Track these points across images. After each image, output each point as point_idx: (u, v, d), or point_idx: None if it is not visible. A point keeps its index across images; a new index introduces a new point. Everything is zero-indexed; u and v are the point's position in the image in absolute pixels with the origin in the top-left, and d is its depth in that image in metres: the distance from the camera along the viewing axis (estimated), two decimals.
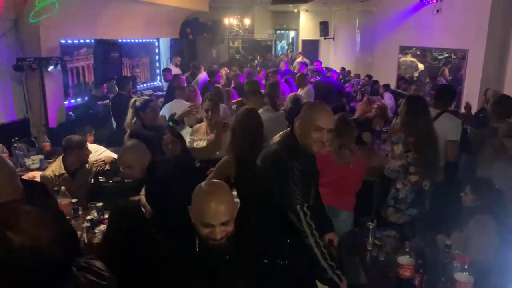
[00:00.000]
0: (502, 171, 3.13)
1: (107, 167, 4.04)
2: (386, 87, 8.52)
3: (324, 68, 11.59)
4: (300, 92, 6.81)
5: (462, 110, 6.30)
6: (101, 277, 1.25)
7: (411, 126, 3.24)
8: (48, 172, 3.58)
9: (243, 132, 2.95)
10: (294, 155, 2.22)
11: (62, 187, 3.24)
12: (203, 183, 1.79)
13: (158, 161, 2.95)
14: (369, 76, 9.91)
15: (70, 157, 3.61)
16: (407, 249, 2.38)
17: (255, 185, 2.39)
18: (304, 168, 2.20)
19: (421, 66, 8.96)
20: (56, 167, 3.60)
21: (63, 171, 3.59)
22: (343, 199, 3.17)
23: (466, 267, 2.26)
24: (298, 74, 8.08)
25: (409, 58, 8.54)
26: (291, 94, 6.27)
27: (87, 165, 3.81)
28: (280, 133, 2.46)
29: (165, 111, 5.38)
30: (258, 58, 13.54)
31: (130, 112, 4.13)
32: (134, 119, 4.10)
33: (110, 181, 4.02)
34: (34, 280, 1.05)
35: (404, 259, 2.36)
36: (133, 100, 4.20)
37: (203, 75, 8.53)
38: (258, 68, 10.71)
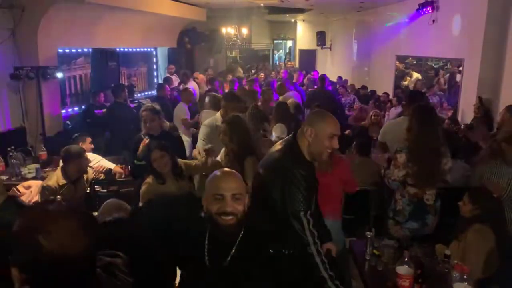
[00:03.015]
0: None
1: (102, 176, 4.02)
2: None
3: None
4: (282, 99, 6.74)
5: (459, 119, 6.34)
6: (119, 278, 1.27)
7: (418, 136, 3.09)
8: (51, 182, 3.51)
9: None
10: (299, 162, 2.22)
11: (58, 196, 3.20)
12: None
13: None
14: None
15: (70, 166, 3.57)
16: (406, 259, 2.36)
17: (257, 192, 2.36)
18: (308, 175, 2.20)
19: (416, 75, 9.02)
20: (59, 177, 3.54)
21: (65, 181, 3.55)
22: (327, 207, 2.95)
23: (465, 277, 2.24)
24: (279, 82, 7.96)
25: None
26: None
27: (86, 175, 3.79)
28: (281, 140, 2.46)
29: None
30: (256, 69, 13.72)
31: None
32: None
33: (106, 191, 4.01)
34: (58, 282, 1.03)
35: (403, 269, 2.34)
36: None
37: (191, 84, 8.47)
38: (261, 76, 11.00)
